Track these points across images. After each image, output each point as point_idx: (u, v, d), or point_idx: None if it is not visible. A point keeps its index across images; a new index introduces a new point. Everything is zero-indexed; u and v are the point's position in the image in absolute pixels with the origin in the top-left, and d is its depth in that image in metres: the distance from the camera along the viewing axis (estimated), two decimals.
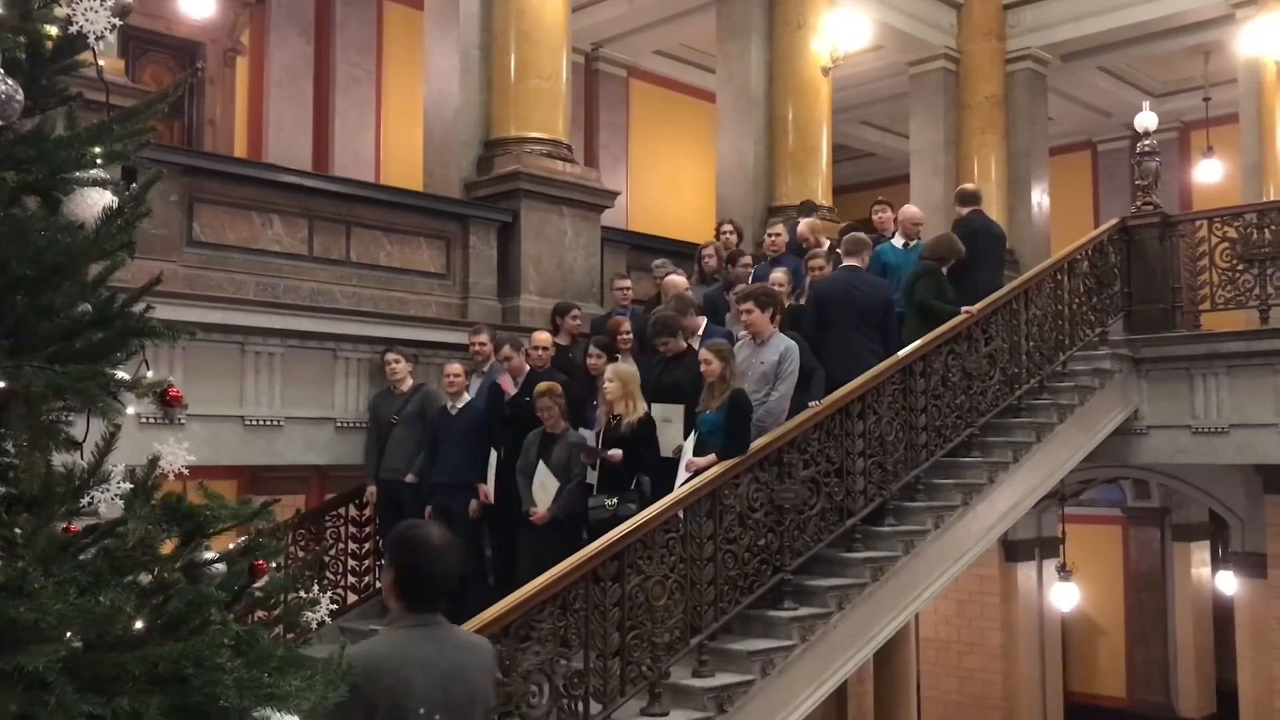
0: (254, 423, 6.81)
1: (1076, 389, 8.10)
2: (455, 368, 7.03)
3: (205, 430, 6.35)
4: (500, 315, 8.16)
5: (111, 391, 1.57)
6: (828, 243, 8.18)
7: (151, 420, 1.85)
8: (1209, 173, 14.01)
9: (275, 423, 6.90)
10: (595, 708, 5.04)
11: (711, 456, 5.81)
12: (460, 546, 2.99)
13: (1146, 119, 8.97)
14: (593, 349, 7.11)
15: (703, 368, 6.03)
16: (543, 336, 7.22)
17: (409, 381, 7.24)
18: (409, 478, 7.03)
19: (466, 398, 7.01)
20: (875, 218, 8.83)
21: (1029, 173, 12.77)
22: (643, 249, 9.40)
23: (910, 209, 8.56)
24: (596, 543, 5.25)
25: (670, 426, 6.38)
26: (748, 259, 8.34)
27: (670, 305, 7.09)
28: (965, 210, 8.29)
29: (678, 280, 7.87)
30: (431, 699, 2.60)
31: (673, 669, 5.43)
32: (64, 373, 1.46)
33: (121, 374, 1.58)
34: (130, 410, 1.62)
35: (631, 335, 7.14)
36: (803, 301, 7.60)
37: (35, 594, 1.31)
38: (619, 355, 7.07)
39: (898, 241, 8.31)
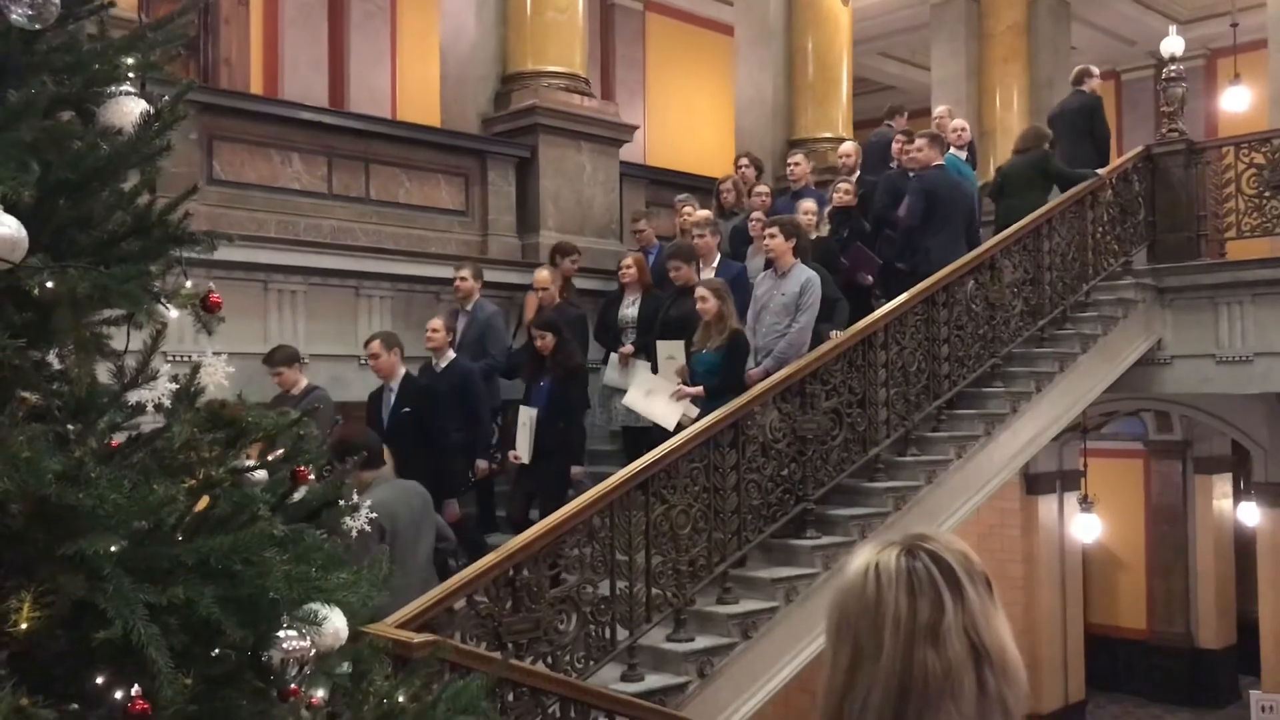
0: None
1: (1100, 319, 8.05)
2: (435, 323, 6.71)
3: (231, 368, 6.39)
4: (520, 252, 8.17)
5: (155, 295, 1.60)
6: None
7: (180, 359, 1.86)
8: (1236, 100, 13.76)
9: (300, 361, 6.94)
10: (621, 633, 5.13)
11: (700, 388, 5.95)
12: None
13: (1173, 44, 8.80)
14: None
15: (699, 305, 6.04)
16: (543, 275, 7.22)
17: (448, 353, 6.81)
18: None
19: (450, 354, 6.71)
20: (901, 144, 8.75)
21: (1052, 103, 12.56)
22: (661, 184, 9.36)
23: (958, 120, 8.79)
24: (622, 472, 5.31)
25: (673, 364, 6.35)
26: (763, 189, 8.29)
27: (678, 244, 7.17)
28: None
29: (705, 213, 7.86)
30: (410, 516, 4.81)
31: (698, 596, 5.51)
32: (109, 274, 1.49)
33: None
34: (173, 313, 1.64)
35: (634, 268, 7.16)
36: (825, 233, 7.58)
37: (91, 483, 1.35)
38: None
39: (959, 154, 8.45)
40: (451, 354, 6.73)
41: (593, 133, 8.52)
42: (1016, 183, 8.31)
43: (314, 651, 1.56)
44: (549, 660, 4.74)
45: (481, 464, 6.70)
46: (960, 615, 1.21)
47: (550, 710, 4.43)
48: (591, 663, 4.96)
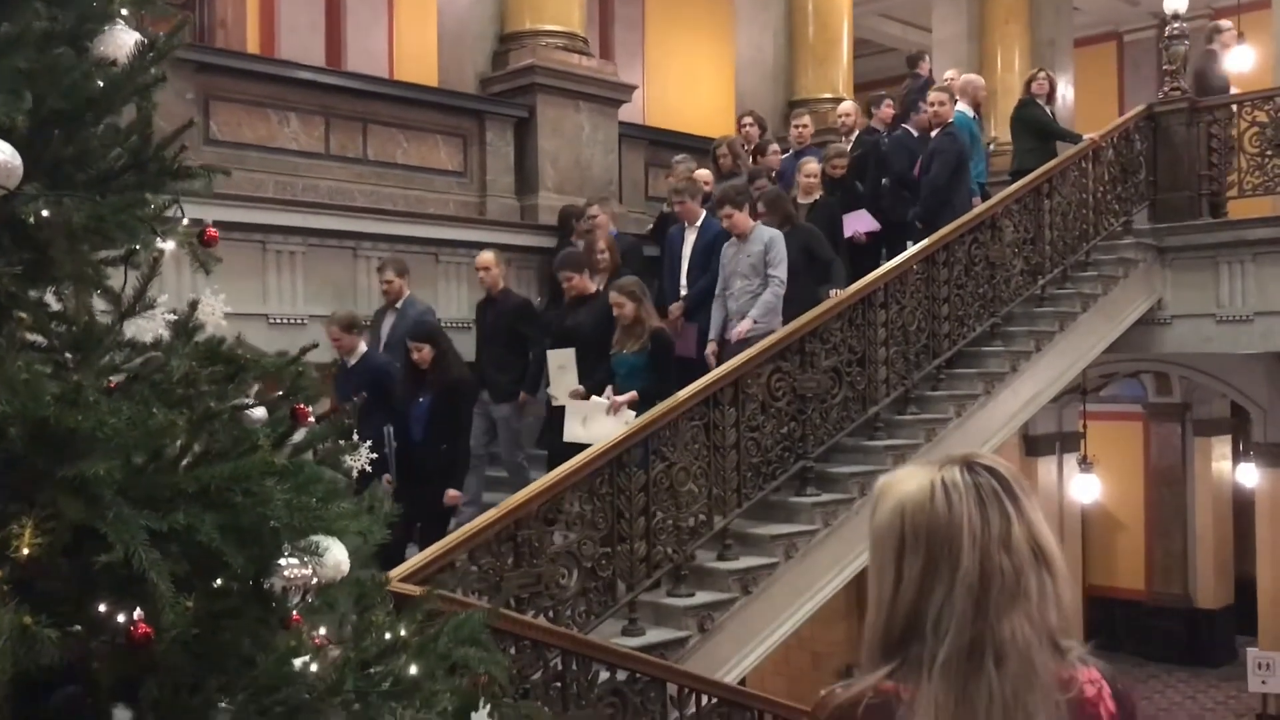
0: (278, 321, 6.85)
1: (1100, 278, 8.05)
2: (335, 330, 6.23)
3: (230, 328, 6.37)
4: (519, 213, 8.14)
5: (152, 227, 1.59)
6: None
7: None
8: (1239, 60, 13.64)
9: (299, 321, 6.94)
10: (622, 589, 5.16)
11: (633, 394, 5.71)
12: None
13: (1175, 1, 8.73)
14: None
15: (615, 310, 5.88)
16: (486, 256, 6.85)
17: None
18: None
19: (362, 348, 6.28)
20: (882, 113, 8.74)
21: (1053, 64, 12.44)
22: (661, 145, 9.30)
23: (971, 76, 8.76)
24: (622, 430, 5.32)
25: (565, 374, 6.14)
26: (777, 148, 8.25)
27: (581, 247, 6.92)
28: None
29: (704, 173, 7.84)
30: None
31: (698, 552, 5.54)
32: (105, 203, 1.48)
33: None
34: (169, 245, 1.64)
35: (608, 254, 6.87)
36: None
37: (91, 407, 1.35)
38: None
39: (969, 111, 8.40)
40: (363, 347, 6.27)
41: (591, 93, 8.46)
42: (1014, 134, 8.55)
43: (315, 581, 1.57)
44: (550, 615, 4.77)
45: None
46: (1022, 522, 1.34)
47: (552, 663, 4.46)
48: (593, 617, 5.00)
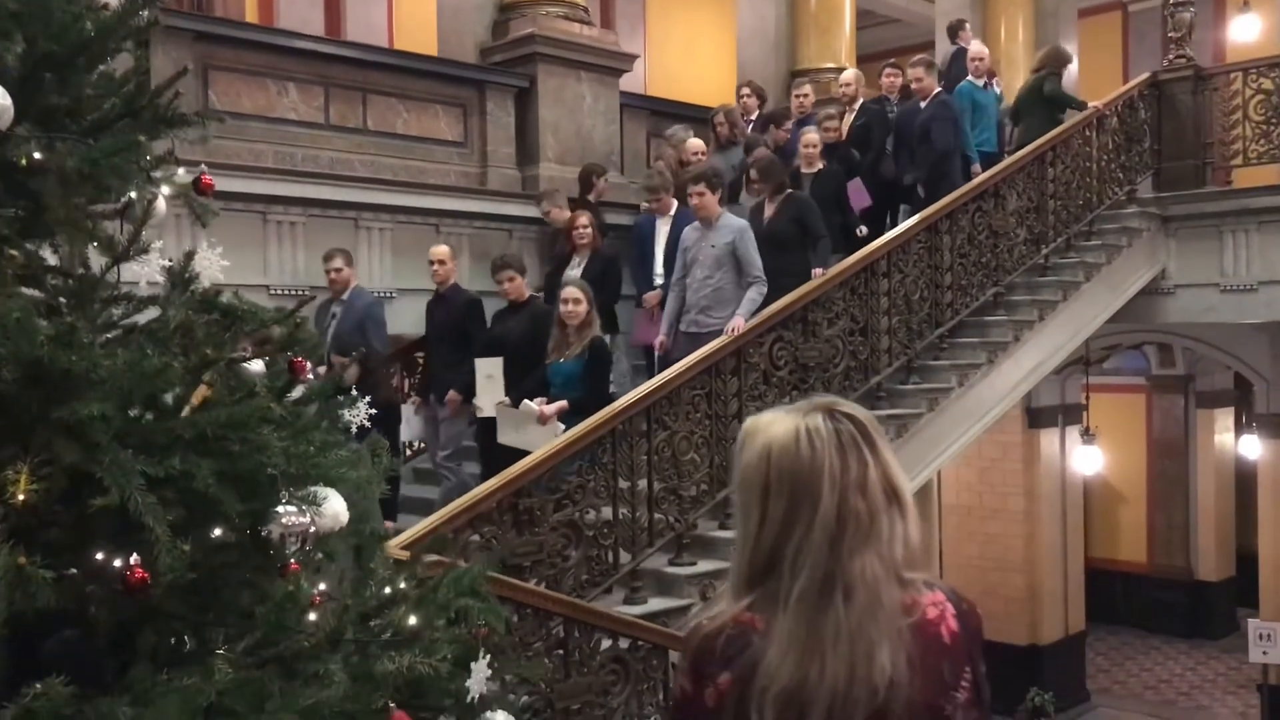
0: (279, 292, 6.82)
1: (1104, 248, 8.01)
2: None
3: (226, 261, 6.32)
4: (520, 184, 8.11)
5: (146, 172, 1.57)
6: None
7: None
8: (1246, 29, 13.53)
9: (300, 292, 6.91)
10: (624, 557, 5.16)
11: (563, 404, 5.49)
12: None
13: None
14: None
15: (564, 308, 5.62)
16: (440, 250, 6.68)
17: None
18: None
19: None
20: (885, 81, 8.66)
21: (1057, 34, 12.34)
22: (662, 115, 9.24)
23: (977, 46, 8.66)
24: (625, 398, 5.32)
25: (492, 383, 5.95)
26: (789, 124, 8.15)
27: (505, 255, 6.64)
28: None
29: (697, 142, 7.79)
30: None
31: (699, 521, 5.54)
32: (97, 146, 1.46)
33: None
34: (164, 191, 1.62)
35: (590, 230, 6.76)
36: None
37: (85, 348, 1.33)
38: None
39: (977, 81, 8.35)
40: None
41: (592, 62, 8.41)
42: (1025, 105, 8.34)
43: (313, 530, 1.56)
44: (552, 583, 4.77)
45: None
46: (877, 468, 1.44)
47: (554, 631, 4.47)
48: (594, 586, 5.00)
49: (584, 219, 6.83)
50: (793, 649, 1.37)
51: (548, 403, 5.54)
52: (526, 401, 5.55)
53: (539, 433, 5.40)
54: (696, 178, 6.19)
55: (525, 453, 5.05)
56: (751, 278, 5.99)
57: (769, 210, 6.55)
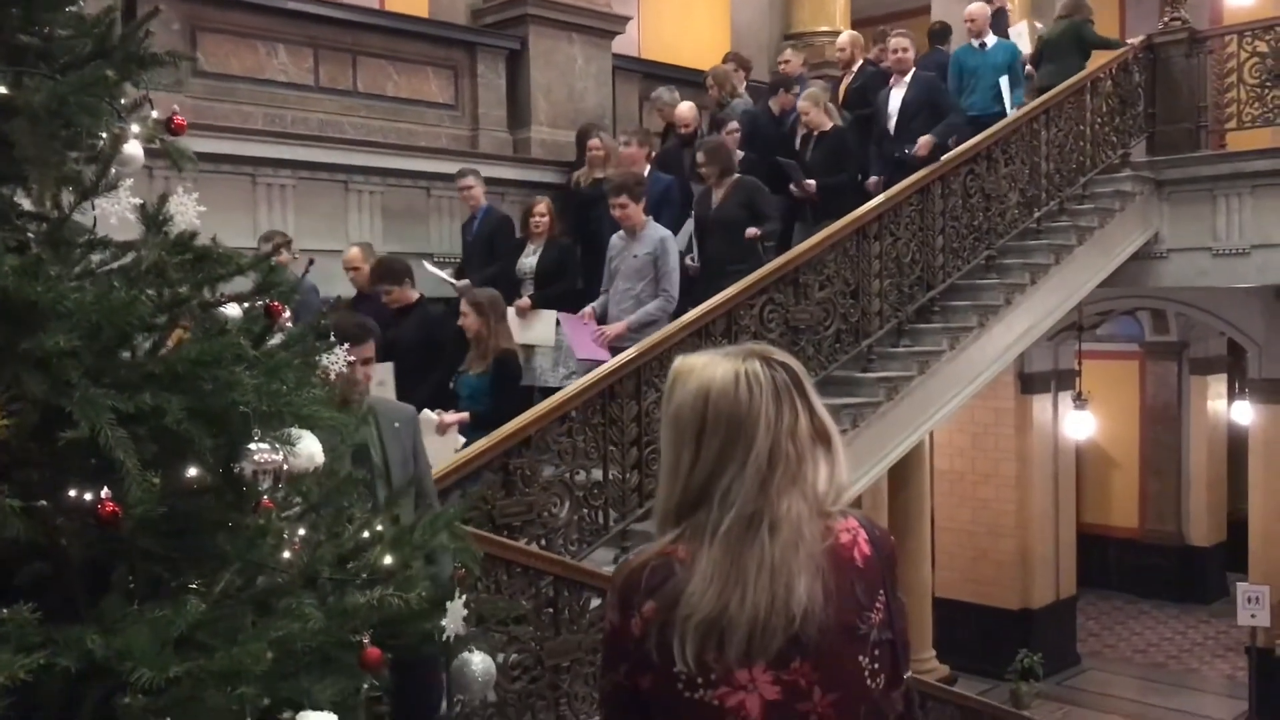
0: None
1: (1096, 211, 7.99)
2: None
3: (203, 207, 6.29)
4: (511, 147, 8.07)
5: (116, 109, 1.56)
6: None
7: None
8: None
9: (291, 255, 6.89)
10: (614, 518, 5.18)
11: (464, 415, 5.32)
12: None
13: None
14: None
15: (460, 320, 5.49)
16: (354, 253, 6.43)
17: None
18: None
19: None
20: (879, 50, 8.60)
21: None
22: (655, 78, 9.18)
23: (974, 7, 8.38)
24: (613, 360, 5.32)
25: (383, 390, 5.39)
26: (797, 89, 8.03)
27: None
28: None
29: (687, 107, 7.73)
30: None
31: None
32: (65, 82, 1.45)
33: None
34: (134, 130, 1.61)
35: (547, 217, 6.57)
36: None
37: (52, 281, 1.33)
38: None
39: (974, 42, 8.26)
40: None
41: (584, 24, 8.35)
42: (1054, 49, 8.41)
43: (286, 469, 1.57)
44: (542, 543, 4.80)
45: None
46: (806, 414, 1.52)
47: (544, 590, 4.50)
48: (584, 546, 5.03)
49: (541, 206, 6.65)
50: (716, 579, 1.44)
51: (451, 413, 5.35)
52: (427, 411, 5.22)
53: (438, 443, 5.09)
54: (618, 189, 6.01)
55: None
56: (661, 290, 5.92)
57: (717, 196, 6.40)
